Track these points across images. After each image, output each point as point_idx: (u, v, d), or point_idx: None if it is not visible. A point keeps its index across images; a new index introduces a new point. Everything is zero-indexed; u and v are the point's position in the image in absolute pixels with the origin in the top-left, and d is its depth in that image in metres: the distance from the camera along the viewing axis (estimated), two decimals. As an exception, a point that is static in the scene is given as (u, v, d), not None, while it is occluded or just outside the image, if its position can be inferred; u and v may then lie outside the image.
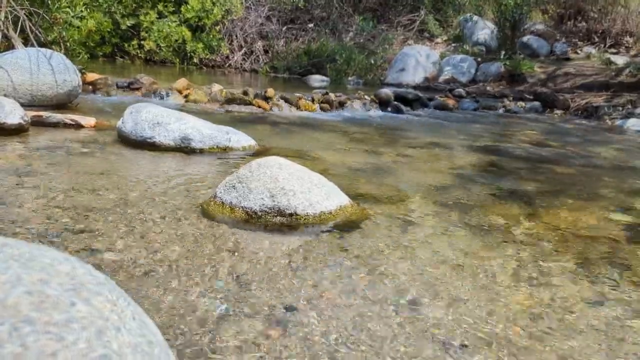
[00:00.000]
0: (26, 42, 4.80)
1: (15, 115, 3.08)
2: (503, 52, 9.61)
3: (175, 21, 9.14)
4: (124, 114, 3.17)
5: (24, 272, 0.67)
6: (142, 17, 9.02)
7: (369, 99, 6.27)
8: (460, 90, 7.91)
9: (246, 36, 10.07)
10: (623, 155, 4.26)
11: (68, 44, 7.40)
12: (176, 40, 9.17)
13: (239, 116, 4.82)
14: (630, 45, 9.62)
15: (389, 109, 6.17)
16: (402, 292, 1.49)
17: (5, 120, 3.04)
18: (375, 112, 6.01)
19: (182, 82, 5.34)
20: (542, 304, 1.48)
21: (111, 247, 1.63)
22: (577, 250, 1.92)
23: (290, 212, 1.96)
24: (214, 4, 9.16)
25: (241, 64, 9.99)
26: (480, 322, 1.35)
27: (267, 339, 1.20)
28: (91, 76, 5.16)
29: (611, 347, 1.28)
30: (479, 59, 9.67)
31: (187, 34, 9.16)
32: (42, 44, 4.63)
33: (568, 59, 9.43)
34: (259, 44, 10.17)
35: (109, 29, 8.75)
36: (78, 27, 8.06)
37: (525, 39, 10.03)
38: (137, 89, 5.22)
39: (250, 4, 10.23)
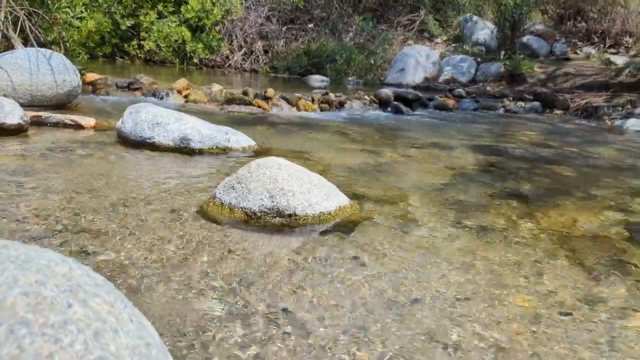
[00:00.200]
0: (26, 42, 4.80)
1: (14, 115, 3.08)
2: (503, 52, 9.62)
3: (175, 21, 9.14)
4: (123, 114, 3.17)
5: (20, 274, 0.67)
6: (141, 18, 9.03)
7: (369, 99, 6.28)
8: (460, 91, 7.91)
9: (246, 36, 10.08)
10: (623, 155, 4.26)
11: (68, 44, 7.40)
12: (176, 41, 9.17)
13: (239, 116, 4.82)
14: (629, 46, 9.63)
15: (389, 109, 6.18)
16: (402, 292, 1.48)
17: (5, 121, 3.03)
18: (375, 112, 6.01)
19: (181, 83, 5.34)
20: (542, 304, 1.48)
21: (109, 248, 1.62)
22: (577, 250, 1.91)
23: (289, 212, 1.95)
24: (213, 4, 9.16)
25: (241, 64, 9.99)
26: (480, 322, 1.35)
27: (266, 339, 1.20)
28: (91, 76, 5.16)
29: (611, 347, 1.28)
30: (479, 59, 9.67)
31: (187, 34, 9.17)
32: (41, 44, 4.63)
33: (568, 59, 9.44)
34: (259, 44, 10.18)
35: (108, 29, 8.75)
36: (78, 28, 8.07)
37: (525, 39, 10.03)
38: (137, 89, 5.23)
39: (250, 4, 10.23)
